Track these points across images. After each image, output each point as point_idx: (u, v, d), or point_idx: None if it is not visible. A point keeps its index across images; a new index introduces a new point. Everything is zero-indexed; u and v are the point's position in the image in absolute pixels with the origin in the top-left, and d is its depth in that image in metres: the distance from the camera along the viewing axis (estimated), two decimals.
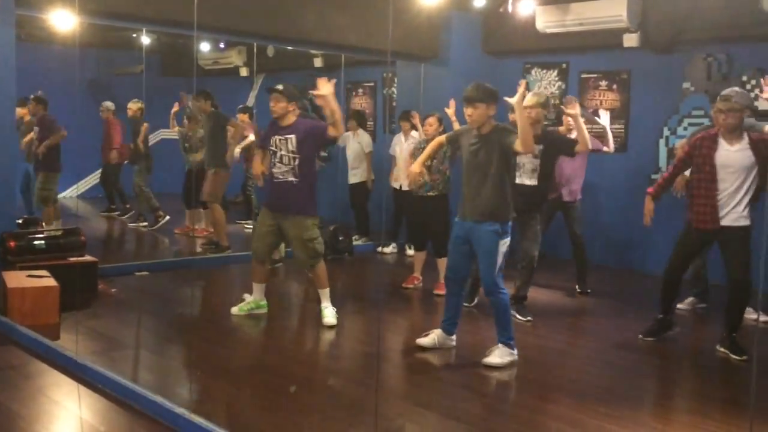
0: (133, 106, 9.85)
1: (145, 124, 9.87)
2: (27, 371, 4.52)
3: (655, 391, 4.67)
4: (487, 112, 4.70)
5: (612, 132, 8.25)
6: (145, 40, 10.12)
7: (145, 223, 9.94)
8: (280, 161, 5.47)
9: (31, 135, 8.66)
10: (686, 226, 5.28)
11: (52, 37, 8.78)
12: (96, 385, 4.23)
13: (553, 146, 5.66)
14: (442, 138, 5.11)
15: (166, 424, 3.73)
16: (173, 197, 10.03)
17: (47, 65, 10.94)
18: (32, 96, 8.51)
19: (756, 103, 7.06)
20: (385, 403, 4.04)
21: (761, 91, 5.55)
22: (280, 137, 5.48)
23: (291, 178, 5.45)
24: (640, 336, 5.44)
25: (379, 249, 8.79)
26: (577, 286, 6.93)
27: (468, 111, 4.71)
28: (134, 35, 10.61)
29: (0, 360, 4.78)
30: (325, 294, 5.66)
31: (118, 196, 10.77)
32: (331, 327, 5.51)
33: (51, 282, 5.58)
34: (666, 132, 7.85)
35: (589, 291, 6.87)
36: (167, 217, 9.79)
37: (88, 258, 6.46)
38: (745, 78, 7.27)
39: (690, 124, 7.60)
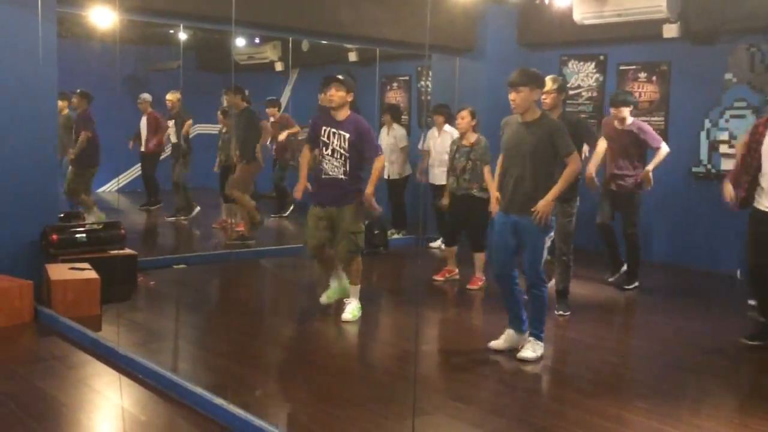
0: (172, 97, 9.91)
1: (189, 121, 10.00)
2: (70, 361, 4.62)
3: (699, 387, 4.57)
4: (531, 96, 4.58)
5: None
6: (182, 35, 10.22)
7: (184, 216, 10.08)
8: (332, 155, 5.36)
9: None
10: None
11: (92, 34, 8.90)
12: (137, 375, 4.30)
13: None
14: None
15: (206, 415, 3.77)
16: (210, 191, 10.14)
17: (87, 61, 11.10)
18: (78, 90, 8.61)
19: None
20: (422, 396, 4.04)
21: None
22: (334, 130, 5.36)
23: (341, 176, 5.36)
24: (744, 340, 5.13)
25: (430, 244, 8.68)
26: (625, 283, 6.70)
27: (511, 96, 4.59)
28: (171, 31, 10.72)
29: (44, 350, 4.90)
30: (354, 290, 5.61)
31: (153, 188, 10.92)
32: (345, 322, 5.46)
33: (92, 274, 5.69)
34: (707, 124, 7.69)
35: (626, 288, 6.68)
36: (198, 208, 9.95)
37: (127, 251, 6.55)
38: None
39: (732, 116, 7.45)
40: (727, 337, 5.36)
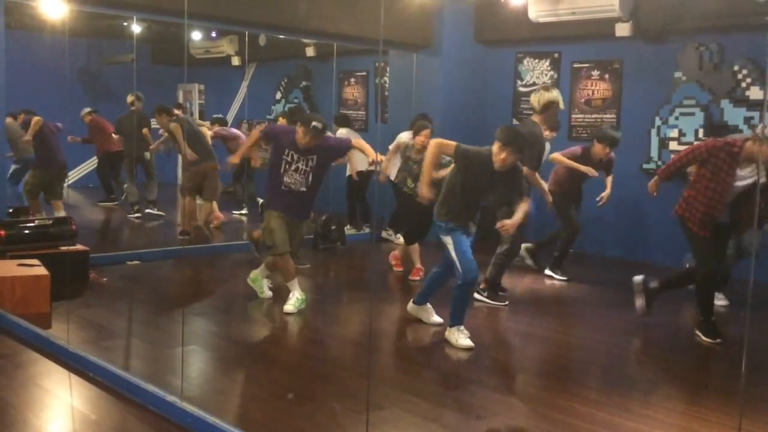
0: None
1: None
2: (18, 360, 4.51)
3: (648, 379, 4.68)
4: (517, 158, 4.83)
5: (604, 122, 8.29)
6: (136, 28, 10.07)
7: (138, 214, 10.01)
8: (296, 171, 5.50)
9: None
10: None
11: (42, 25, 8.70)
12: (87, 373, 4.22)
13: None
14: (451, 146, 4.83)
15: (158, 413, 3.72)
16: (166, 186, 10.06)
17: (37, 54, 10.86)
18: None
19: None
20: (377, 391, 4.05)
21: None
22: (299, 155, 5.47)
23: (302, 189, 5.54)
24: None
25: (388, 237, 8.78)
26: (552, 271, 7.04)
27: (503, 155, 4.68)
28: (125, 24, 10.54)
29: None
30: (294, 284, 5.68)
31: (116, 186, 10.89)
32: (288, 314, 5.53)
33: (42, 271, 5.57)
34: (658, 122, 7.85)
35: (567, 278, 6.96)
36: (139, 215, 9.91)
37: (79, 247, 6.43)
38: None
39: (681, 114, 7.62)
40: (676, 330, 5.49)
